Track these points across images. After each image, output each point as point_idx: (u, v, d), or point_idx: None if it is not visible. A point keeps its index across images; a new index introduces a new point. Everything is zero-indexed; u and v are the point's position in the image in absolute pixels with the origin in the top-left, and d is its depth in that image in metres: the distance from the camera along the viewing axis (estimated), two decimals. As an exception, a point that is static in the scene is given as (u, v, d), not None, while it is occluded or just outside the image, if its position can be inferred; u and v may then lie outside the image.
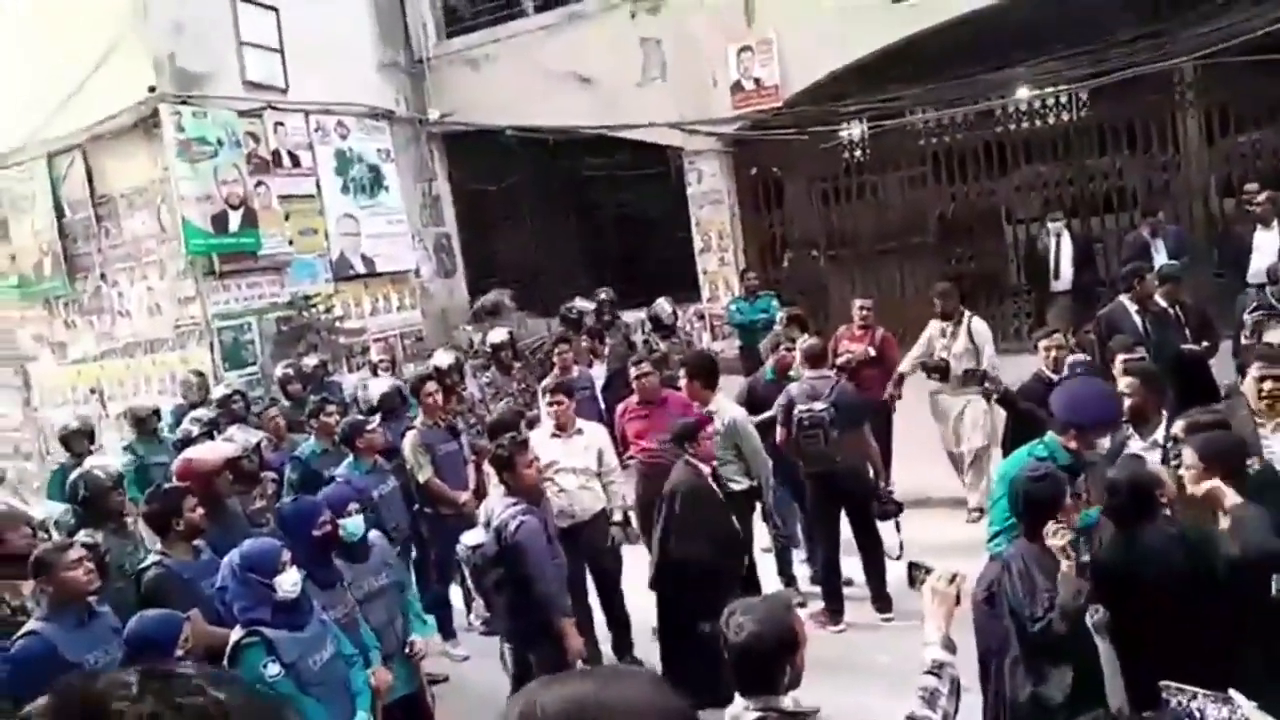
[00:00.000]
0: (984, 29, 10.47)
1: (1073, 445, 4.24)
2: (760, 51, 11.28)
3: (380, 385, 7.38)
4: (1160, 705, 2.36)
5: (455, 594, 6.48)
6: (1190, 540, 3.44)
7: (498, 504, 4.97)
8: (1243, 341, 6.44)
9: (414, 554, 6.62)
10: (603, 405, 7.97)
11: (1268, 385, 4.22)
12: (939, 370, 7.17)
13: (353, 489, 5.11)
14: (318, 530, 4.23)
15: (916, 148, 12.25)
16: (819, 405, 5.91)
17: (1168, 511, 3.56)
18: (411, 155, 13.02)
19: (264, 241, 10.57)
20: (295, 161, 11.17)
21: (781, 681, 2.52)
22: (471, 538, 4.91)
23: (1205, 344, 6.81)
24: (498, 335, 9.04)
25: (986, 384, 6.59)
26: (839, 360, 7.23)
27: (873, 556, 6.08)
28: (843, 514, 6.14)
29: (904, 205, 12.24)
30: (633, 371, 6.36)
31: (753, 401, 6.52)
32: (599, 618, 5.88)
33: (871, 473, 6.14)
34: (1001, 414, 6.11)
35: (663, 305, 9.37)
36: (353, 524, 4.45)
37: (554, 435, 5.88)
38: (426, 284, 13.06)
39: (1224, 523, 3.38)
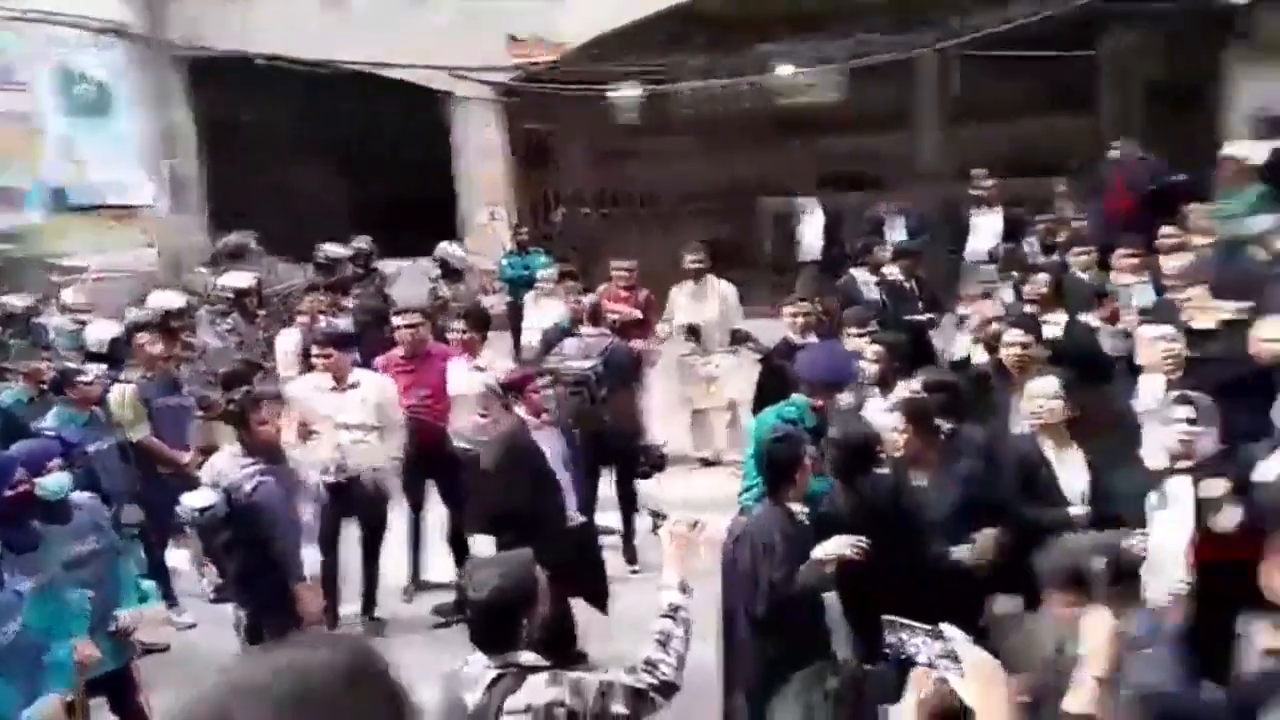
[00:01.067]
0: (752, 5, 10.80)
1: (819, 404, 4.41)
2: (539, 3, 11.04)
3: (107, 329, 6.63)
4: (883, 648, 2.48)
5: (179, 557, 5.97)
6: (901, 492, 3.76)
7: (228, 462, 4.62)
8: (959, 314, 6.96)
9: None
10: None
11: (1016, 351, 4.59)
12: (696, 333, 7.33)
13: (59, 443, 4.57)
14: (10, 489, 3.73)
15: (685, 115, 12.51)
16: (586, 364, 5.89)
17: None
18: (150, 78, 11.80)
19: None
20: (8, 76, 9.85)
21: (521, 637, 2.50)
22: (197, 499, 4.53)
23: (932, 315, 7.37)
24: (241, 279, 8.40)
25: (749, 344, 6.84)
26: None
27: (629, 512, 6.19)
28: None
29: (672, 170, 12.49)
30: (398, 321, 6.08)
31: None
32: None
33: (637, 431, 6.22)
34: (750, 374, 6.36)
35: (452, 250, 8.99)
36: (54, 482, 3.95)
37: (332, 389, 5.54)
38: (161, 220, 11.93)
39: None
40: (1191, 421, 3.49)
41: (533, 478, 4.76)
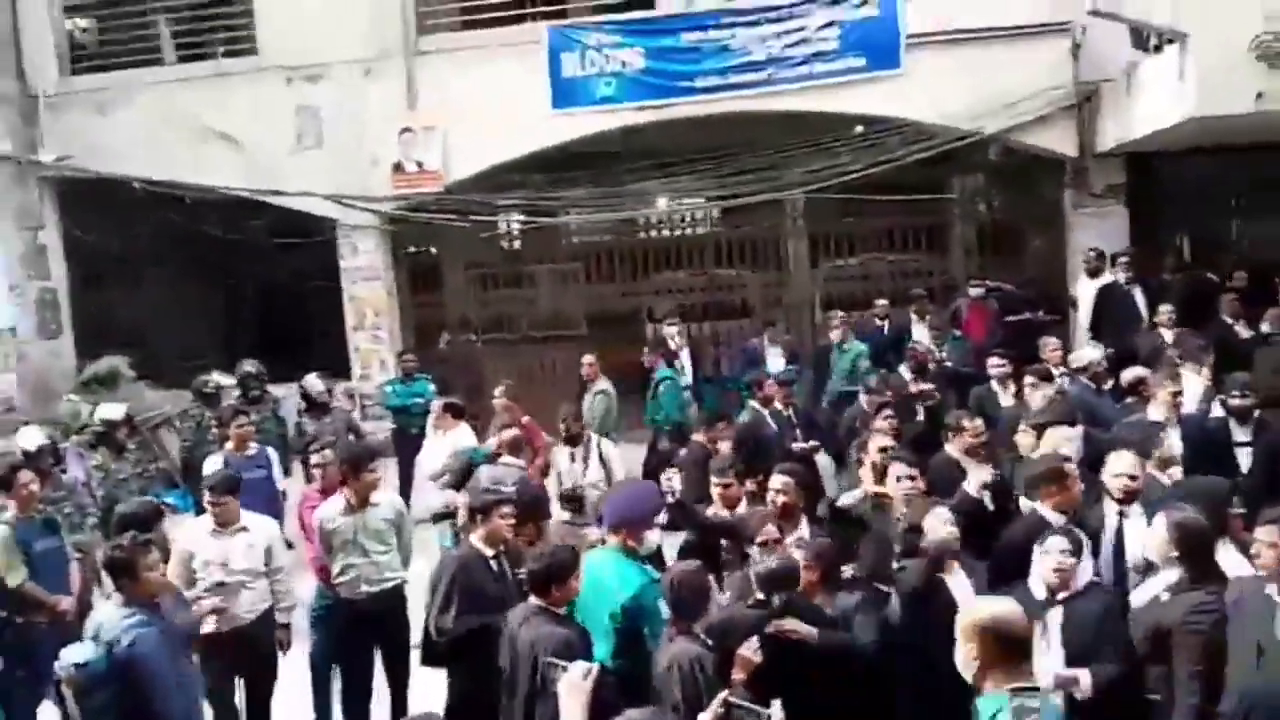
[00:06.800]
0: (630, 144, 11.39)
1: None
2: (424, 134, 11.33)
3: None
4: None
5: (51, 715, 5.58)
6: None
7: (110, 614, 4.42)
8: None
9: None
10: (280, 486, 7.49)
11: (906, 486, 4.92)
12: (575, 501, 6.66)
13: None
14: None
15: (568, 245, 12.93)
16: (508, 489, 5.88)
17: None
18: (16, 199, 11.44)
19: None
20: None
21: None
22: (76, 654, 4.31)
23: (816, 444, 7.69)
24: (112, 410, 8.11)
25: None
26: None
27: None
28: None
29: (555, 298, 12.81)
30: (313, 459, 6.07)
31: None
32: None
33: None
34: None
35: (313, 382, 8.83)
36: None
37: (214, 532, 5.36)
38: (24, 344, 11.41)
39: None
40: (1065, 553, 3.79)
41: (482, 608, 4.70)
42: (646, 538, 4.61)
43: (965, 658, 2.76)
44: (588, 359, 9.21)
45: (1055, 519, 4.39)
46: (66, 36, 12.14)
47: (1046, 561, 3.80)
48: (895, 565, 4.39)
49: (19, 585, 5.47)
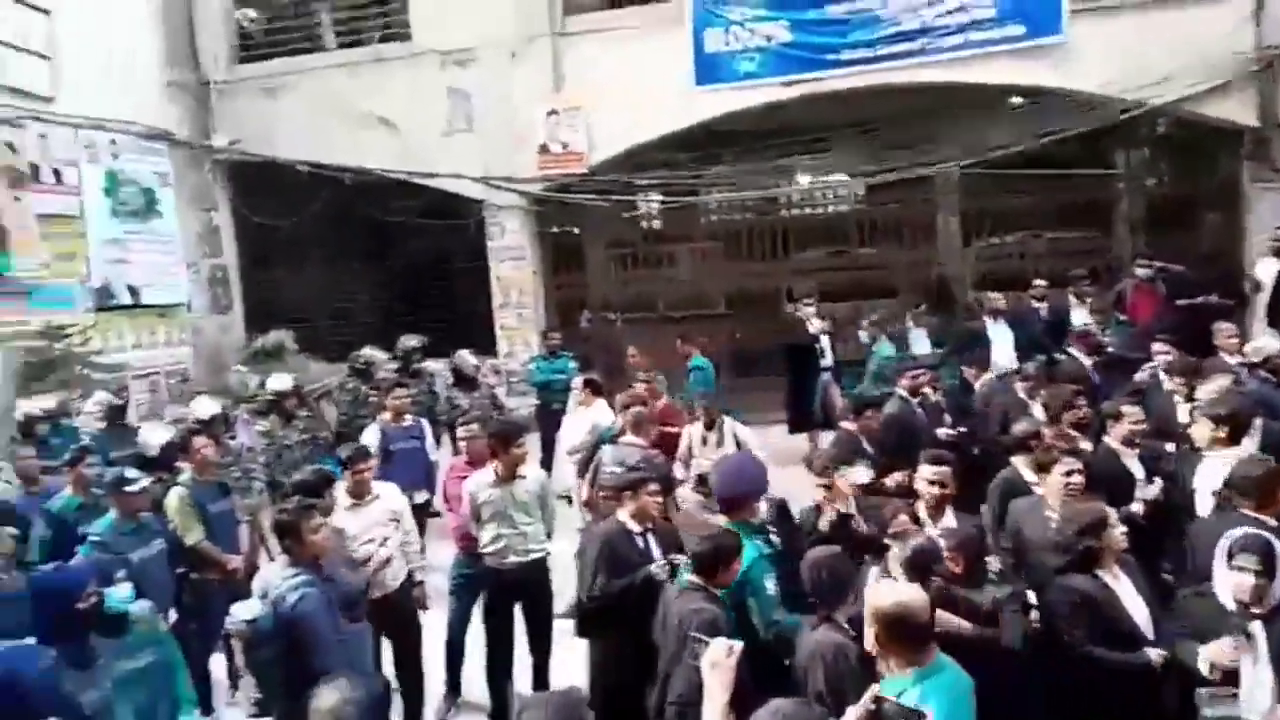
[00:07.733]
0: (774, 120, 11.21)
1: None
2: (568, 116, 11.47)
3: (160, 433, 6.74)
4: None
5: (218, 667, 5.97)
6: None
7: (277, 573, 4.65)
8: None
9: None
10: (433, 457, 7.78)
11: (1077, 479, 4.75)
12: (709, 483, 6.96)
13: (111, 553, 4.64)
14: (82, 603, 3.77)
15: (707, 224, 12.86)
16: (620, 472, 5.95)
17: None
18: (192, 181, 12.22)
19: (14, 262, 9.52)
20: (58, 178, 10.20)
21: None
22: (245, 610, 4.55)
23: (961, 429, 7.39)
24: (281, 382, 8.50)
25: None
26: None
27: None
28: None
29: (694, 277, 12.79)
30: (460, 432, 6.24)
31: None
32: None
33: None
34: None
35: (465, 358, 9.12)
36: (120, 594, 4.02)
37: (352, 506, 5.52)
38: (199, 319, 12.20)
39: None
40: (1257, 574, 3.52)
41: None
42: (758, 509, 4.65)
43: (869, 638, 3.11)
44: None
45: (1272, 523, 4.04)
46: (236, 27, 12.84)
47: (1236, 579, 3.54)
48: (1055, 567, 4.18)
49: (196, 543, 5.84)
